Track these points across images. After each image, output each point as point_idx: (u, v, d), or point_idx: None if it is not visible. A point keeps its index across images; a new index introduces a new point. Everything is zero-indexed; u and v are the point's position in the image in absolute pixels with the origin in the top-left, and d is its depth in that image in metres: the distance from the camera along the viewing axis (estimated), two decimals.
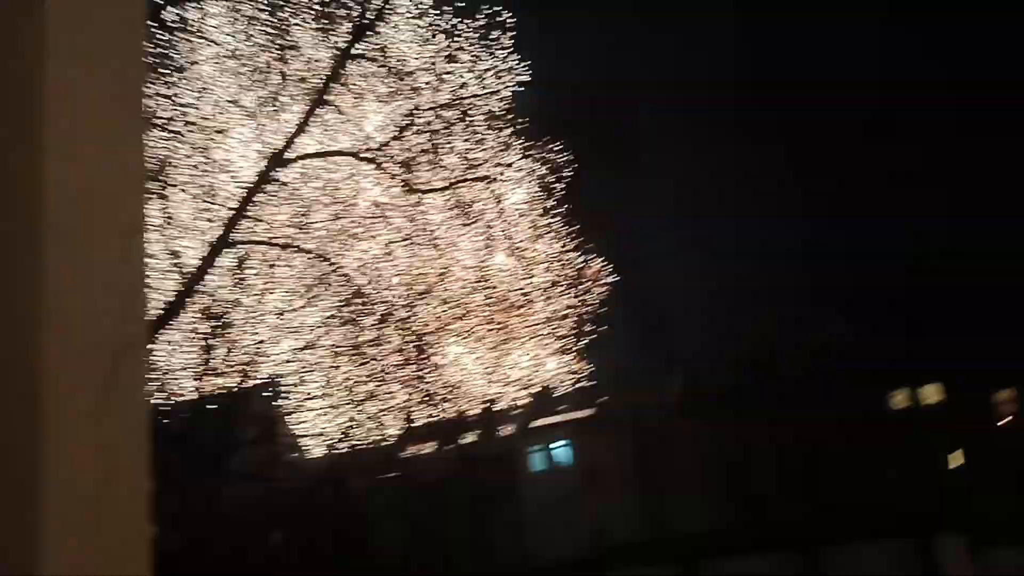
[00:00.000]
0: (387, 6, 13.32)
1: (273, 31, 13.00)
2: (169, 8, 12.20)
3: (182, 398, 14.12)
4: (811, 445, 42.22)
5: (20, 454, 0.76)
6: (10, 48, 0.89)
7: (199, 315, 13.26)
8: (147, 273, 0.92)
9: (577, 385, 19.31)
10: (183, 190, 12.74)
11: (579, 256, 14.41)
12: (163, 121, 12.11)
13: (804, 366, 44.20)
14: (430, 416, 15.17)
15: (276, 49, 12.94)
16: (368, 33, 13.14)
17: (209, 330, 13.77)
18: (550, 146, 13.99)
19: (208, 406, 15.48)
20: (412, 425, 15.31)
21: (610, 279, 14.82)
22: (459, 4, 13.69)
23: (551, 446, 48.93)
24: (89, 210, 0.88)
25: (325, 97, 12.62)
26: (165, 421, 13.91)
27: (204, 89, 12.96)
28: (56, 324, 0.81)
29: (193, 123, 12.60)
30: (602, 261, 14.80)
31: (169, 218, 13.78)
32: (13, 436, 0.76)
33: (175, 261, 13.30)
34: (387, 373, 14.10)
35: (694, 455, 43.23)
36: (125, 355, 0.87)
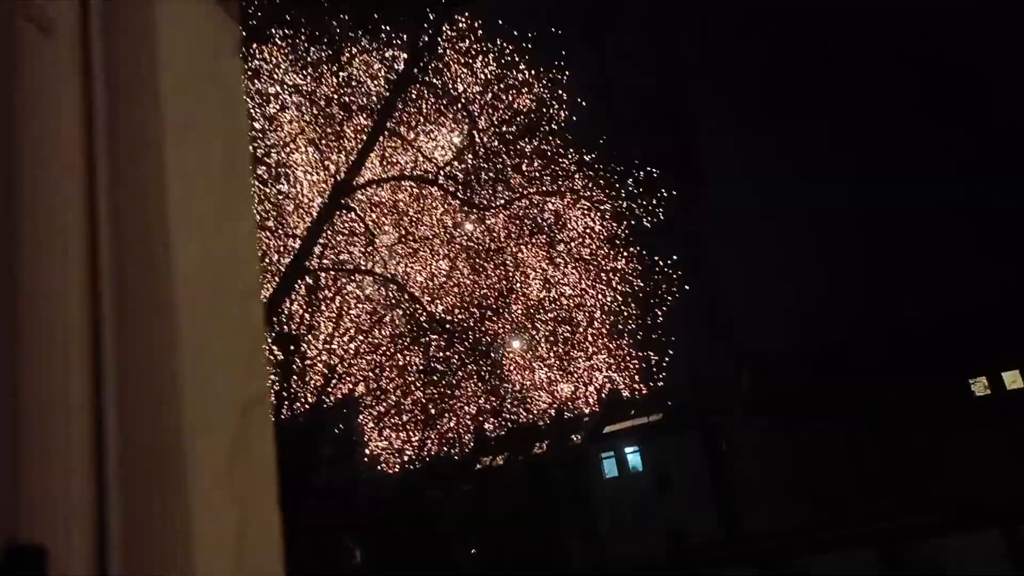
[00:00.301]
0: (442, 31, 13.51)
1: (334, 64, 13.31)
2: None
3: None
4: (887, 438, 41.09)
5: (167, 512, 0.83)
6: (134, 133, 0.97)
7: (276, 341, 13.63)
8: (263, 331, 1.00)
9: (648, 391, 19.15)
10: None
11: (646, 264, 14.37)
12: None
13: (879, 356, 43.01)
14: (502, 428, 15.28)
15: (338, 81, 13.26)
16: (425, 58, 13.35)
17: (288, 354, 14.15)
18: (611, 157, 14.00)
19: (287, 428, 15.87)
20: (485, 437, 15.39)
21: (678, 285, 14.72)
22: (510, 24, 13.78)
23: (624, 450, 48.63)
24: (212, 278, 0.95)
25: (387, 123, 12.86)
26: None
27: (272, 123, 13.37)
28: (190, 387, 0.88)
29: (263, 157, 13.00)
30: (670, 268, 14.72)
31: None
32: (161, 498, 0.83)
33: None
34: (459, 389, 14.24)
35: (768, 453, 42.44)
36: (251, 411, 0.94)
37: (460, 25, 13.50)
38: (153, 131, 0.96)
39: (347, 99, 13.05)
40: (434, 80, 13.14)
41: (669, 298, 14.14)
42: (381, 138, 12.52)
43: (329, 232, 12.87)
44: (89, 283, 0.85)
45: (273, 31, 12.35)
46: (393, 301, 13.67)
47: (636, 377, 16.96)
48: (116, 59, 0.99)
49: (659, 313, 14.71)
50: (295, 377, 14.55)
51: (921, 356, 39.87)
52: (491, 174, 13.01)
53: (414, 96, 13.22)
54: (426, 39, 12.88)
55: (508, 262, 13.35)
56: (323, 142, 13.08)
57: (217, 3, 1.08)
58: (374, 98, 12.95)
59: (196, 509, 0.83)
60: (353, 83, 12.87)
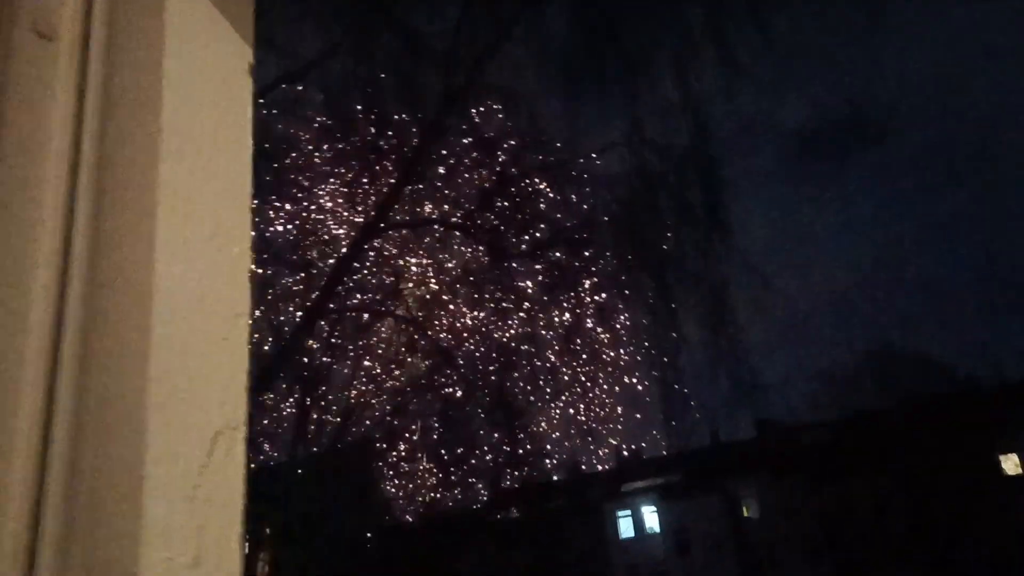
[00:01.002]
0: (475, 78, 13.66)
1: (365, 106, 13.50)
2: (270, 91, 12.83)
3: (278, 460, 14.39)
4: (914, 505, 39.98)
5: (120, 533, 0.78)
6: (126, 145, 0.94)
7: (295, 380, 13.61)
8: (246, 357, 0.95)
9: (667, 448, 18.83)
10: (280, 259, 13.25)
11: (670, 317, 14.21)
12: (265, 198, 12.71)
13: (907, 423, 42.12)
14: (518, 478, 15.07)
15: (369, 124, 13.42)
16: (456, 104, 13.49)
17: (304, 394, 14.11)
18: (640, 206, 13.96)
19: (303, 468, 15.75)
20: (501, 487, 15.19)
21: (699, 339, 14.53)
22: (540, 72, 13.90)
23: (641, 509, 47.74)
24: (196, 299, 0.91)
25: (415, 167, 12.97)
26: (262, 483, 14.20)
27: (302, 163, 13.53)
28: (157, 409, 0.83)
29: (293, 196, 13.14)
30: (693, 322, 14.55)
31: (268, 287, 14.31)
32: (116, 516, 0.78)
33: (275, 328, 13.76)
34: (476, 436, 14.10)
35: (791, 517, 41.44)
36: (223, 437, 0.89)
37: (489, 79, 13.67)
38: (146, 146, 0.93)
39: (380, 141, 13.21)
40: (463, 127, 13.27)
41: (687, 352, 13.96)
42: (410, 183, 12.61)
43: (356, 273, 12.93)
44: (57, 291, 0.81)
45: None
46: (413, 343, 13.63)
47: (655, 435, 16.71)
48: (116, 71, 0.97)
49: (680, 370, 14.51)
50: (313, 416, 14.50)
51: (950, 426, 38.98)
52: (519, 220, 13.04)
53: (447, 141, 13.34)
54: (458, 89, 13.05)
55: (530, 308, 13.29)
56: (353, 182, 13.21)
57: (231, 25, 1.06)
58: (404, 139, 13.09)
59: (148, 536, 0.77)
60: (384, 123, 13.02)
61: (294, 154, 13.44)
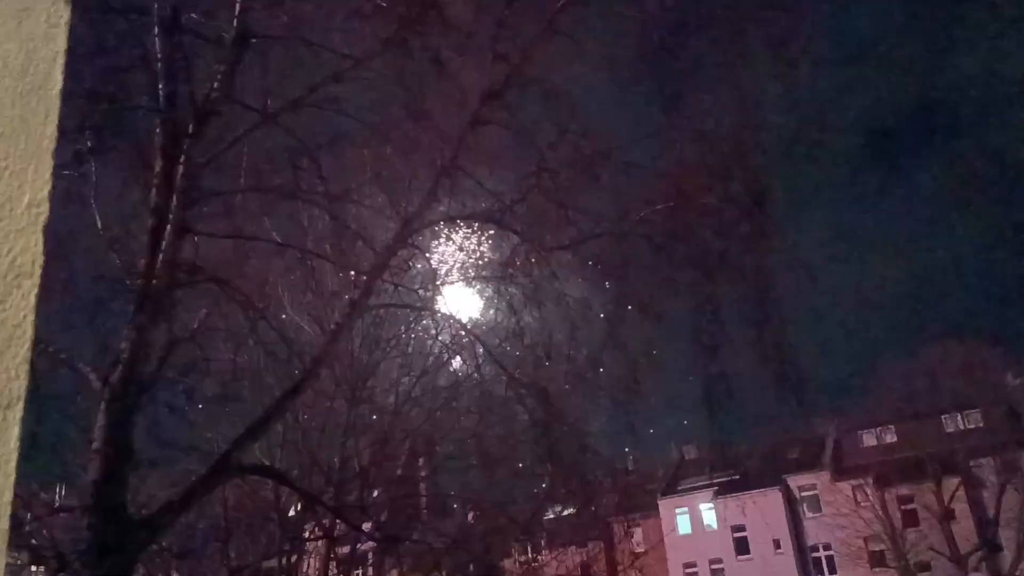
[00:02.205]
0: (518, 71, 13.52)
1: (408, 102, 13.47)
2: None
3: (319, 457, 14.46)
4: (979, 508, 38.51)
5: None
6: None
7: (338, 378, 13.66)
8: (30, 325, 0.81)
9: (725, 444, 18.48)
10: (323, 257, 13.32)
11: (717, 311, 13.86)
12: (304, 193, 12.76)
13: (972, 421, 40.57)
14: (565, 480, 14.89)
15: (410, 119, 13.39)
16: (498, 98, 13.37)
17: (348, 392, 14.17)
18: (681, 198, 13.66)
19: (349, 466, 15.83)
20: (545, 488, 15.03)
21: (749, 335, 14.14)
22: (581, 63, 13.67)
23: (700, 506, 47.08)
24: None
25: (455, 162, 12.89)
26: (303, 481, 14.27)
27: (343, 160, 13.57)
28: None
29: (333, 194, 13.17)
30: (741, 318, 14.17)
31: (313, 285, 14.39)
32: None
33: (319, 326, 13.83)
34: (520, 436, 13.95)
35: (853, 517, 40.35)
36: None
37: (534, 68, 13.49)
38: None
39: (421, 136, 13.16)
40: (504, 119, 13.12)
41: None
42: (449, 177, 12.54)
43: (395, 269, 12.90)
44: None
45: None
46: (455, 340, 13.55)
47: (712, 431, 16.32)
48: None
49: (728, 368, 14.12)
50: (354, 412, 14.53)
51: (1017, 425, 37.52)
52: (560, 213, 12.87)
53: (486, 133, 13.22)
54: (500, 82, 12.92)
55: (570, 303, 13.07)
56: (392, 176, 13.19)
57: None
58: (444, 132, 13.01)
59: None
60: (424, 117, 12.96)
61: (337, 150, 13.50)
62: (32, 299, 0.82)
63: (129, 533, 9.10)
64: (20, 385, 0.79)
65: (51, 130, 0.88)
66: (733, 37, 12.69)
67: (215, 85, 10.81)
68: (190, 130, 10.54)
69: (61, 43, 0.92)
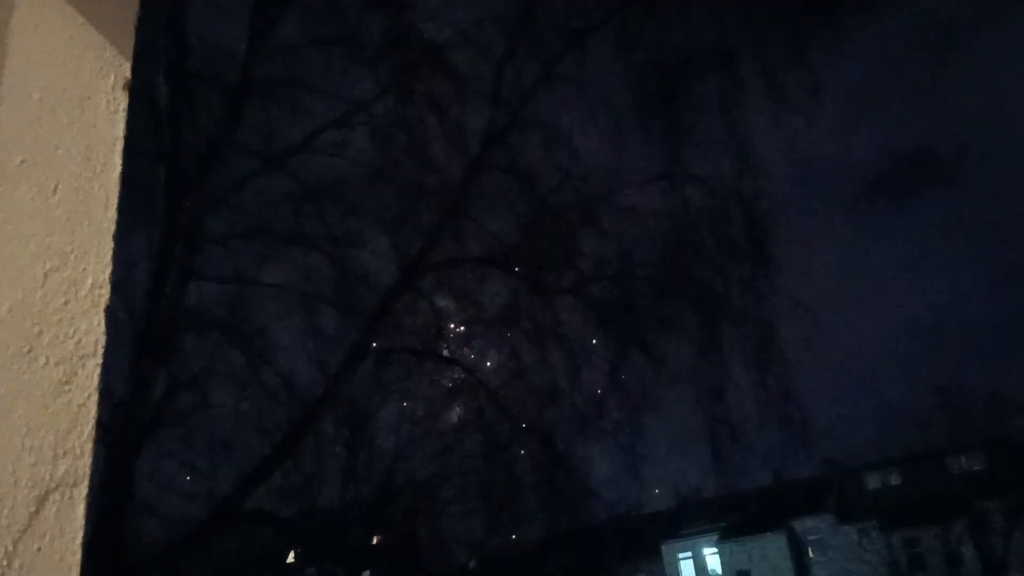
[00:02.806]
0: (518, 115, 13.69)
1: (410, 146, 13.61)
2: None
3: (319, 502, 14.33)
4: (987, 550, 38.04)
5: None
6: None
7: (339, 422, 13.60)
8: (94, 404, 0.84)
9: (728, 488, 18.30)
10: (325, 300, 13.34)
11: (717, 354, 13.86)
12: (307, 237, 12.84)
13: (979, 463, 40.28)
14: (569, 520, 14.74)
15: (412, 163, 13.51)
16: (498, 142, 13.52)
17: (349, 436, 14.09)
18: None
19: (350, 512, 15.68)
20: (551, 529, 14.87)
21: (750, 378, 14.12)
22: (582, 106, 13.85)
23: (703, 551, 46.46)
24: (28, 330, 0.80)
25: (457, 206, 12.98)
26: (308, 527, 14.13)
27: (346, 205, 13.66)
28: None
29: (336, 238, 13.25)
30: (742, 360, 14.17)
31: (314, 328, 14.39)
32: None
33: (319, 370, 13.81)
34: (522, 478, 13.85)
35: (859, 562, 39.83)
36: (53, 495, 0.77)
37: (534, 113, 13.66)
38: None
39: (423, 180, 13.26)
40: (505, 164, 13.25)
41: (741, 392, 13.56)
42: (451, 221, 12.62)
43: (398, 315, 12.92)
44: None
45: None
46: (458, 384, 13.52)
47: (714, 475, 16.20)
48: None
49: (733, 411, 14.08)
50: (357, 457, 14.45)
51: (1021, 466, 37.20)
52: (560, 256, 12.94)
53: (488, 179, 13.34)
54: (501, 127, 13.08)
55: (572, 345, 13.07)
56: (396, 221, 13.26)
57: (103, 35, 0.96)
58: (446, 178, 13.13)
59: None
60: (426, 162, 13.08)
61: (339, 195, 13.59)
62: (95, 379, 0.85)
63: None
64: (85, 463, 0.81)
65: (111, 214, 0.92)
66: (732, 81, 12.89)
67: (218, 130, 10.95)
68: (193, 175, 10.65)
69: (120, 129, 0.96)
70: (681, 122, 13.17)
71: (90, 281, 0.88)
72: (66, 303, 0.85)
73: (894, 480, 43.14)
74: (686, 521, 47.69)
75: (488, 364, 13.44)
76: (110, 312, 0.86)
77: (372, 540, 16.94)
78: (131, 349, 9.76)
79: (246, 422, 13.56)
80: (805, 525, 45.81)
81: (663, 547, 46.68)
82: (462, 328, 13.30)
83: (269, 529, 14.89)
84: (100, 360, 0.86)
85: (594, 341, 13.38)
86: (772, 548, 42.91)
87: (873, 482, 45.08)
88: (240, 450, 14.06)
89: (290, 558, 16.76)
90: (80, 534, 0.78)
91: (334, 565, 14.71)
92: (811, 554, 45.46)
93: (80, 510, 0.80)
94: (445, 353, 13.21)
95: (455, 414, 14.96)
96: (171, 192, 10.22)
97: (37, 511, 0.76)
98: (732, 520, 44.02)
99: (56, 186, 0.88)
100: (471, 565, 21.23)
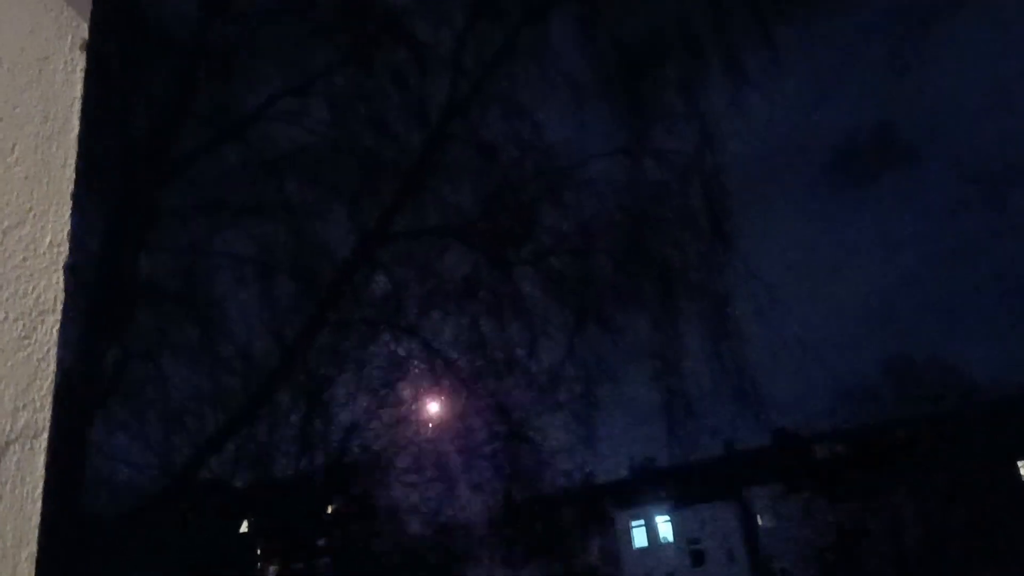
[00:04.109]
0: (479, 88, 13.61)
1: (369, 117, 13.46)
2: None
3: (279, 474, 14.31)
4: (932, 518, 39.42)
5: None
6: None
7: (295, 392, 13.53)
8: (53, 359, 0.86)
9: (680, 458, 18.65)
10: (282, 271, 13.22)
11: (674, 327, 14.05)
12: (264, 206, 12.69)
13: (925, 434, 41.54)
14: (525, 489, 14.94)
15: (372, 133, 13.38)
16: (460, 114, 13.44)
17: (308, 407, 14.02)
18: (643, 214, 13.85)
19: (304, 482, 15.66)
20: (506, 498, 15.05)
21: (706, 349, 14.36)
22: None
23: (655, 519, 47.38)
24: None
25: (417, 177, 12.91)
26: (263, 496, 14.11)
27: (303, 175, 13.50)
28: None
29: (293, 209, 13.11)
30: (699, 332, 14.38)
31: (271, 299, 14.26)
32: None
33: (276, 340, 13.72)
34: (479, 447, 13.97)
35: (808, 529, 40.98)
36: (14, 446, 0.79)
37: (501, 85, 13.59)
38: None
39: (383, 151, 13.16)
40: (466, 136, 13.20)
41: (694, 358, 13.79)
42: (412, 193, 12.57)
43: (357, 285, 12.87)
44: None
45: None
46: (415, 354, 13.54)
47: (668, 445, 16.48)
48: None
49: (688, 379, 14.32)
50: (314, 427, 14.42)
51: (968, 436, 38.41)
52: (521, 228, 12.95)
53: (450, 150, 13.28)
54: (462, 99, 13.01)
55: (531, 317, 13.15)
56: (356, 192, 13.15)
57: None
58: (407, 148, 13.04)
59: None
60: (387, 133, 12.97)
61: (297, 165, 13.43)
62: (55, 334, 0.87)
63: (80, 550, 8.93)
64: (44, 416, 0.83)
65: (70, 173, 0.93)
66: (695, 58, 12.96)
67: (173, 99, 10.73)
68: (148, 144, 10.44)
69: (78, 90, 0.97)
70: (643, 97, 13.23)
71: (48, 239, 0.90)
72: (25, 260, 0.87)
73: (842, 450, 44.26)
74: (639, 490, 48.49)
75: (446, 335, 13.47)
76: (68, 269, 0.88)
77: (327, 510, 16.97)
78: (83, 319, 9.61)
79: (201, 393, 13.44)
80: (755, 494, 46.90)
81: (616, 515, 47.47)
82: (421, 300, 13.30)
83: (223, 499, 14.85)
84: (59, 316, 0.88)
85: (552, 313, 13.48)
86: (723, 516, 43.90)
87: (821, 452, 46.21)
88: (194, 421, 13.95)
89: (243, 527, 16.72)
90: (40, 484, 0.81)
91: (289, 535, 14.73)
92: (760, 522, 46.63)
93: (40, 460, 0.82)
94: (403, 324, 13.21)
95: (412, 385, 14.98)
96: (125, 162, 10.02)
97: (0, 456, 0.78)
98: (684, 489, 44.91)
99: (14, 145, 0.89)
100: (426, 533, 21.40)
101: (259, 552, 16.87)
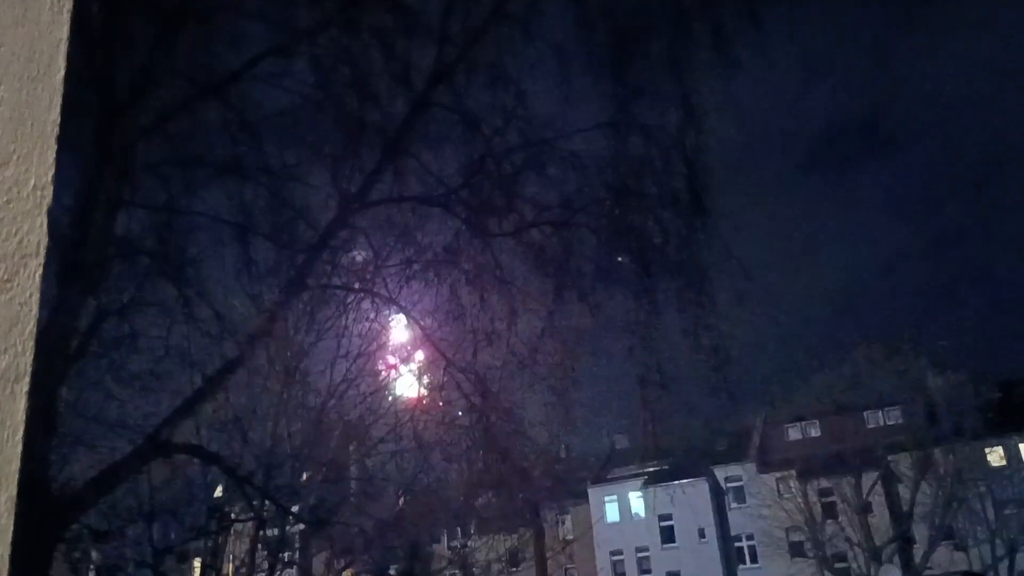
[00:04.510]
0: (465, 55, 13.48)
1: (353, 80, 13.30)
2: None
3: (254, 440, 14.31)
4: (898, 500, 40.19)
5: None
6: None
7: (272, 357, 13.50)
8: (35, 303, 0.85)
9: (654, 434, 18.84)
10: (261, 234, 13.09)
11: (652, 303, 14.11)
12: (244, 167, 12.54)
13: (893, 416, 42.20)
14: (498, 464, 15.01)
15: (355, 97, 13.22)
16: (444, 81, 13.32)
17: (282, 373, 14.02)
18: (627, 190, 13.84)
19: (280, 447, 15.68)
20: (480, 472, 15.14)
21: (684, 326, 14.45)
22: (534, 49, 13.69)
23: (628, 495, 47.95)
24: None
25: (400, 143, 12.81)
26: (233, 461, 14.10)
27: (284, 136, 13.34)
28: None
29: (273, 170, 12.96)
30: (677, 310, 14.45)
31: (250, 262, 14.15)
32: None
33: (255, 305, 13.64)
34: (455, 420, 14.02)
35: (777, 509, 41.66)
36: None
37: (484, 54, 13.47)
38: None
39: (365, 116, 13.02)
40: (450, 104, 13.08)
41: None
42: (393, 159, 12.47)
43: (336, 251, 12.80)
44: None
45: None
46: (394, 324, 13.52)
47: (642, 420, 16.63)
48: None
49: (664, 358, 14.41)
50: (291, 394, 14.42)
51: (934, 423, 39.08)
52: (502, 199, 12.92)
53: (433, 117, 13.17)
54: (447, 65, 12.88)
55: (512, 289, 13.14)
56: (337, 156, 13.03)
57: None
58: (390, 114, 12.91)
59: None
60: (370, 97, 12.82)
61: (278, 126, 13.27)
62: (37, 278, 0.86)
63: (50, 512, 8.90)
64: (26, 360, 0.82)
65: (55, 115, 0.91)
66: (683, 35, 12.91)
67: (153, 54, 10.54)
68: (126, 99, 10.27)
69: (64, 30, 0.95)
70: (630, 71, 13.16)
71: (32, 182, 0.88)
72: (8, 202, 0.85)
73: (814, 432, 44.88)
74: (613, 465, 48.95)
75: (425, 304, 13.45)
76: (52, 213, 0.87)
77: (303, 476, 17.02)
78: (56, 275, 9.49)
79: (176, 354, 13.36)
80: (727, 472, 47.51)
81: (589, 491, 47.96)
82: (400, 267, 13.24)
83: (197, 462, 14.84)
84: (42, 260, 0.86)
85: (532, 286, 13.50)
86: (694, 493, 44.50)
87: (794, 433, 46.81)
88: (170, 382, 13.88)
89: (218, 491, 16.73)
90: (22, 429, 0.80)
91: (264, 499, 14.75)
92: (731, 500, 47.29)
93: (22, 405, 0.81)
94: (382, 292, 13.16)
95: (389, 353, 14.99)
96: (102, 116, 9.86)
97: None
98: (657, 466, 45.42)
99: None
100: (401, 503, 21.52)
101: (232, 518, 16.91)
